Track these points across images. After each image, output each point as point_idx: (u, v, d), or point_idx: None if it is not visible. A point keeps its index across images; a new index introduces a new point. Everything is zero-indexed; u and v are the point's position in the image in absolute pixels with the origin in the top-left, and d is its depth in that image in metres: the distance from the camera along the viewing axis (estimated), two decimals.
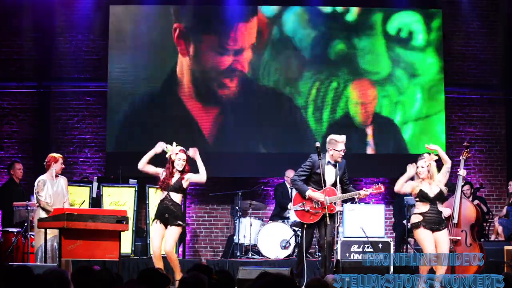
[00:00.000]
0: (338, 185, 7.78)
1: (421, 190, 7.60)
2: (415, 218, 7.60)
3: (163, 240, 7.77)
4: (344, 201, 9.75)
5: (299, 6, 11.74)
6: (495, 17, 12.22)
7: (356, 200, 8.03)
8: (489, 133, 12.16)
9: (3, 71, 11.96)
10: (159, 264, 7.68)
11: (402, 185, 7.64)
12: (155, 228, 7.81)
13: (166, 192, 7.81)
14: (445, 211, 8.22)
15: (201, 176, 7.88)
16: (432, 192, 7.59)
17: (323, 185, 7.67)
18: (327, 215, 7.60)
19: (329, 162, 7.82)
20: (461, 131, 12.11)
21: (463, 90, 12.15)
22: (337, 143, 7.79)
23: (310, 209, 7.75)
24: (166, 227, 7.77)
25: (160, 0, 11.76)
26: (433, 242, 7.50)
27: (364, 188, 7.93)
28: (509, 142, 12.08)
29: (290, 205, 8.01)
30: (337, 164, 7.81)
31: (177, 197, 7.81)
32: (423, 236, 7.54)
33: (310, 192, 7.73)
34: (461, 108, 12.17)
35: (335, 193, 7.77)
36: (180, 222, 7.80)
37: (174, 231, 7.77)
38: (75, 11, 11.83)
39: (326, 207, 7.60)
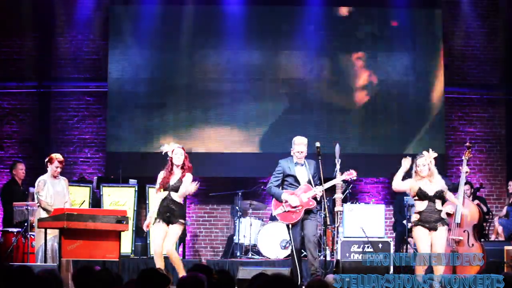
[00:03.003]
0: (313, 183, 7.92)
1: (420, 189, 7.59)
2: (414, 217, 7.66)
3: (165, 239, 7.76)
4: (344, 201, 9.77)
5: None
6: (495, 17, 12.21)
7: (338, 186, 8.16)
8: (489, 133, 12.16)
9: (3, 71, 11.95)
10: (160, 263, 7.67)
11: (399, 182, 7.66)
12: (157, 228, 7.77)
13: (167, 192, 7.80)
14: (449, 208, 8.16)
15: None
16: (431, 190, 7.58)
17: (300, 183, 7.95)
18: (326, 215, 7.70)
19: (296, 163, 8.03)
20: (461, 131, 12.11)
21: (463, 90, 12.15)
22: (295, 145, 8.05)
23: (290, 209, 7.89)
24: (168, 225, 7.76)
25: (160, 0, 11.77)
26: (429, 242, 7.53)
27: (335, 179, 8.07)
28: (509, 142, 12.08)
29: (273, 212, 8.16)
30: (305, 165, 7.98)
31: (177, 196, 7.79)
32: (418, 235, 7.57)
33: (285, 195, 7.92)
34: (461, 108, 12.17)
35: (311, 188, 7.92)
36: (182, 220, 7.80)
37: (175, 229, 7.76)
38: (75, 11, 11.82)
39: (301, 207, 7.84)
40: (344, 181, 8.30)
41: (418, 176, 7.62)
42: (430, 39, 11.75)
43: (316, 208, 7.95)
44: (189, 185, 7.77)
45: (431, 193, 7.57)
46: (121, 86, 11.59)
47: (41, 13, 11.80)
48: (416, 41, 11.75)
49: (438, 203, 7.60)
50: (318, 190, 7.84)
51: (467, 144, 8.79)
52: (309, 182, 7.94)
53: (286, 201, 7.90)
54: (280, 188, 8.09)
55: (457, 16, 12.14)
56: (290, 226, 7.92)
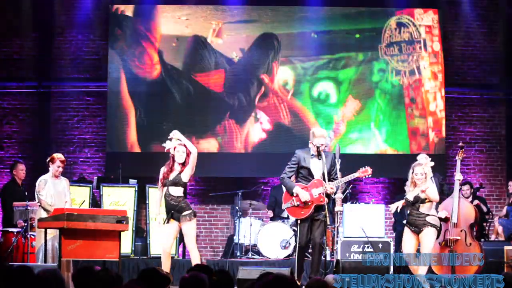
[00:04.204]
0: (327, 177, 7.60)
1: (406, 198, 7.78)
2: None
3: (186, 239, 7.77)
4: (344, 201, 9.76)
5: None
6: (495, 17, 12.21)
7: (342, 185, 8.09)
8: (489, 133, 12.16)
9: (3, 71, 11.95)
10: (167, 263, 7.67)
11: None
12: (168, 226, 7.74)
13: (165, 188, 7.76)
14: (442, 213, 8.22)
15: (192, 149, 7.78)
16: (411, 195, 7.67)
17: (313, 177, 7.70)
18: (326, 215, 7.62)
19: (313, 155, 7.72)
20: (461, 131, 12.11)
21: (463, 90, 12.15)
22: (314, 138, 7.71)
23: (300, 204, 7.66)
24: (179, 222, 7.73)
25: (160, 0, 11.77)
26: (412, 243, 7.70)
27: (351, 174, 7.85)
28: (509, 142, 12.08)
29: (283, 206, 7.96)
30: (323, 157, 7.64)
31: (176, 191, 7.71)
32: (404, 236, 7.82)
33: (297, 189, 7.66)
34: (461, 108, 12.17)
35: (322, 184, 7.61)
36: (188, 212, 7.69)
37: (189, 226, 7.71)
38: (75, 11, 11.83)
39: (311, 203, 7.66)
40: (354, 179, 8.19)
41: (413, 184, 7.66)
42: (430, 39, 11.74)
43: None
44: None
45: (410, 198, 7.64)
46: (121, 86, 11.59)
47: (41, 13, 11.79)
48: (416, 41, 11.74)
49: (422, 206, 7.63)
50: (329, 186, 7.55)
51: (460, 144, 8.82)
52: (323, 176, 7.61)
53: (297, 195, 7.65)
54: (294, 180, 7.84)
55: (457, 16, 12.14)
56: (298, 221, 7.73)
